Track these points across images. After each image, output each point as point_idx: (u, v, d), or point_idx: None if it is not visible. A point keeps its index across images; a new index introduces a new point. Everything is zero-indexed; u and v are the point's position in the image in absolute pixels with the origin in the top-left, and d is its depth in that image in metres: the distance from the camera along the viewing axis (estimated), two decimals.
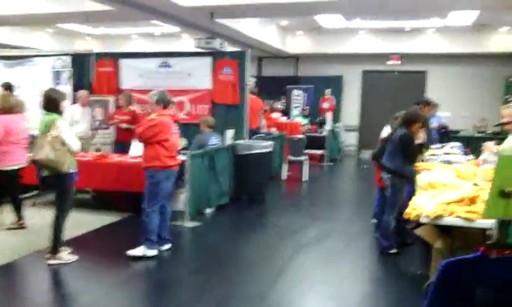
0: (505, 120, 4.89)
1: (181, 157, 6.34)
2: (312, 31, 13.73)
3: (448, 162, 6.37)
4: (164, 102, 5.16)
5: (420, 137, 5.54)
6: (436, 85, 14.12)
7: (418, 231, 4.52)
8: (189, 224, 6.39)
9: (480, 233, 3.96)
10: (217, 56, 8.69)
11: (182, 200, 6.60)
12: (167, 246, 5.40)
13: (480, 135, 11.81)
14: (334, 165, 12.47)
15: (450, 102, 12.91)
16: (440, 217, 3.72)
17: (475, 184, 4.43)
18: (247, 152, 7.78)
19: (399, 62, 14.22)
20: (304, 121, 13.16)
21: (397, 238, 5.58)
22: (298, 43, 14.47)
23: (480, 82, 13.70)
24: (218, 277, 4.76)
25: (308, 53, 14.50)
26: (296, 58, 15.22)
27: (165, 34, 14.12)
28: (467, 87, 13.80)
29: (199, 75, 8.66)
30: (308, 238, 6.06)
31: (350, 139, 14.85)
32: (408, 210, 3.99)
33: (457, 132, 11.92)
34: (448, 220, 3.73)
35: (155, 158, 5.05)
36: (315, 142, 11.61)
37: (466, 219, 3.67)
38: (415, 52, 13.68)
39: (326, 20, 11.90)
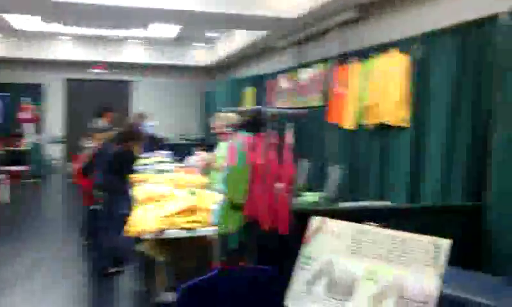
0: (218, 130, 5.18)
1: None
2: (4, 32, 12.10)
3: (161, 171, 6.46)
4: None
5: (137, 151, 5.42)
6: (143, 95, 14.37)
7: (140, 247, 4.32)
8: None
9: (205, 242, 4.02)
10: None
11: None
12: None
13: (185, 142, 12.51)
14: (40, 182, 11.26)
15: (157, 111, 13.27)
16: (163, 230, 3.60)
17: (192, 192, 4.51)
18: None
19: (105, 71, 13.92)
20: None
21: (116, 256, 5.29)
22: None
23: (182, 92, 14.60)
24: None
25: (2, 57, 12.77)
26: None
27: None
28: (171, 97, 14.49)
29: None
30: (13, 273, 5.15)
31: (56, 152, 13.71)
32: (128, 227, 3.74)
33: (165, 139, 12.34)
34: (172, 233, 3.64)
35: None
36: (15, 157, 10.21)
37: (188, 229, 3.65)
38: (120, 61, 13.61)
39: (20, 20, 10.63)
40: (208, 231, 3.69)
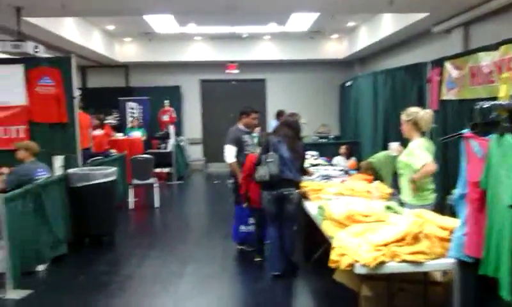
0: (406, 128, 4.34)
1: None
2: (142, 37, 12.32)
3: (327, 177, 5.77)
4: None
5: None
6: (275, 93, 13.92)
7: (337, 276, 3.64)
8: (14, 294, 4.58)
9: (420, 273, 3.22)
10: (31, 64, 6.81)
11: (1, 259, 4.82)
12: None
13: (324, 140, 11.77)
14: (184, 184, 11.28)
15: (290, 109, 12.71)
16: (381, 263, 2.86)
17: (389, 207, 3.72)
18: (84, 184, 6.15)
19: (237, 70, 13.65)
20: (140, 134, 11.53)
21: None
22: (128, 51, 12.93)
23: (317, 87, 13.88)
24: None
25: (140, 61, 13.07)
26: (126, 67, 13.64)
27: None
28: (306, 93, 13.84)
29: (8, 88, 6.71)
30: (184, 291, 4.74)
31: (196, 153, 13.79)
32: (333, 257, 3.05)
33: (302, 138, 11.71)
34: (393, 267, 2.88)
35: None
36: (159, 159, 10.21)
37: (414, 262, 2.87)
38: (252, 59, 13.26)
39: (157, 24, 10.63)
40: (440, 265, 2.89)
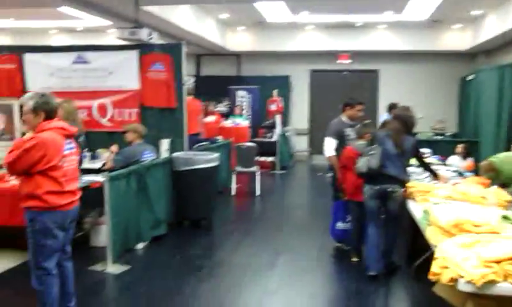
0: None
1: (98, 179, 4.85)
2: (255, 26, 12.37)
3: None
4: (46, 109, 3.36)
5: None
6: (389, 84, 13.21)
7: (437, 290, 3.25)
8: (113, 269, 4.80)
9: None
10: (144, 50, 7.05)
11: (103, 234, 5.08)
12: None
13: (439, 138, 10.92)
14: (286, 174, 11.16)
15: (405, 102, 11.94)
16: (491, 283, 2.45)
17: (506, 217, 3.23)
18: (187, 168, 6.27)
19: (350, 61, 13.18)
20: (244, 122, 11.63)
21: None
22: (240, 40, 13.06)
23: (435, 81, 12.94)
24: None
25: (252, 51, 13.14)
26: (238, 56, 13.82)
27: (88, 28, 12.22)
28: (421, 86, 12.95)
29: (123, 73, 7.01)
30: (273, 284, 4.61)
31: (301, 144, 13.62)
32: (435, 269, 2.70)
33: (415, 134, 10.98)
34: (505, 289, 2.46)
35: (35, 195, 3.29)
36: (264, 148, 10.26)
37: None
38: (366, 49, 12.69)
39: (270, 12, 10.56)
40: None
